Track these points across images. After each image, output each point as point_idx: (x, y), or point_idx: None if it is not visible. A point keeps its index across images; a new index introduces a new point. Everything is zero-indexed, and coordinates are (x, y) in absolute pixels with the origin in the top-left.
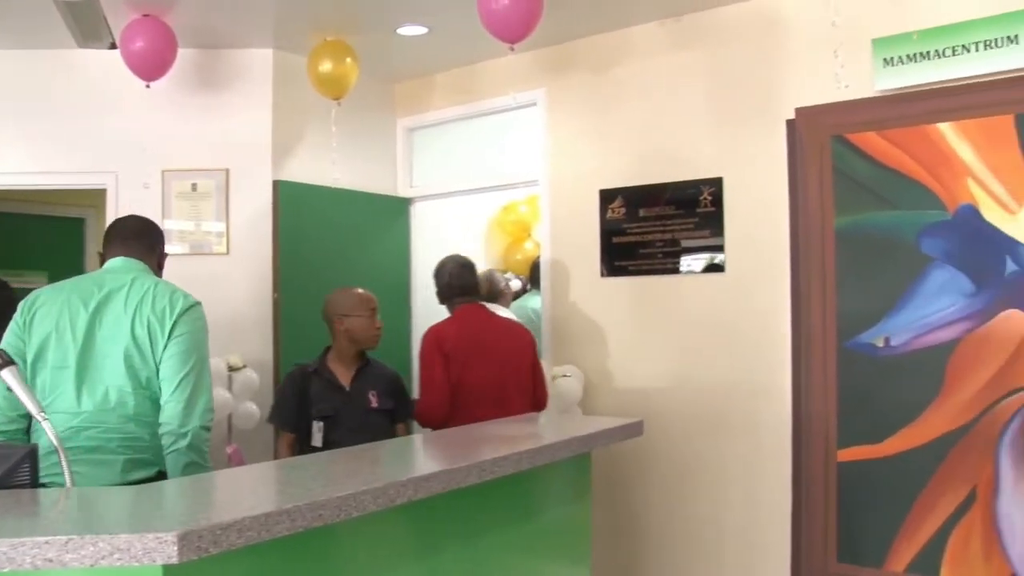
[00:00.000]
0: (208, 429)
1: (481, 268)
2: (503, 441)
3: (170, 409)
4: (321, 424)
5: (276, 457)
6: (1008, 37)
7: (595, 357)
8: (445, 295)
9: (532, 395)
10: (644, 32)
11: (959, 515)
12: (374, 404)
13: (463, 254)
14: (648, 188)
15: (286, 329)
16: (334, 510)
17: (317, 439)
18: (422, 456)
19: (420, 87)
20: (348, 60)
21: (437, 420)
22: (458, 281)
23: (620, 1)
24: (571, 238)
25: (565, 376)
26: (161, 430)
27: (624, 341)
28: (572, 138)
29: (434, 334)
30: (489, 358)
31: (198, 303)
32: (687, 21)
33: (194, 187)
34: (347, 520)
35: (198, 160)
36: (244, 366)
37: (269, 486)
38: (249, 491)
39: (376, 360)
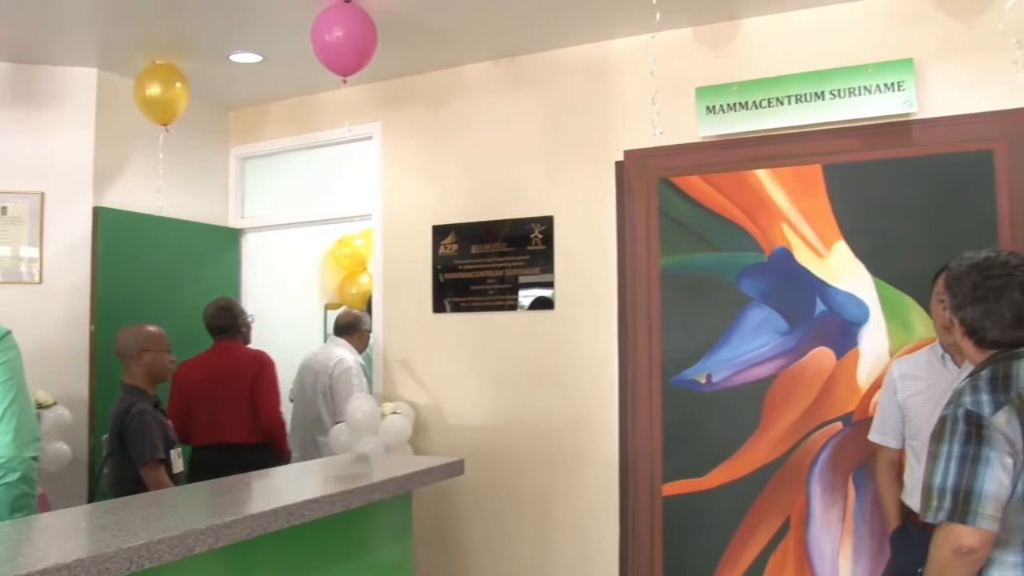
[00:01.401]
0: (37, 459)
1: (315, 300)
2: (318, 483)
3: None
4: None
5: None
6: (816, 93)
7: (427, 393)
8: (209, 333)
9: (252, 420)
10: (480, 70)
11: (775, 543)
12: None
13: (290, 287)
14: (481, 225)
15: (103, 363)
16: (123, 562)
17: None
18: (228, 501)
19: (254, 115)
20: (178, 85)
21: None
22: (214, 322)
23: (455, 39)
24: (404, 273)
25: (395, 413)
26: None
27: (456, 377)
28: (407, 173)
29: (177, 370)
30: (207, 388)
31: (8, 331)
32: (521, 62)
33: (4, 210)
34: (144, 570)
35: (9, 182)
36: (54, 403)
37: (53, 537)
38: (27, 544)
39: None
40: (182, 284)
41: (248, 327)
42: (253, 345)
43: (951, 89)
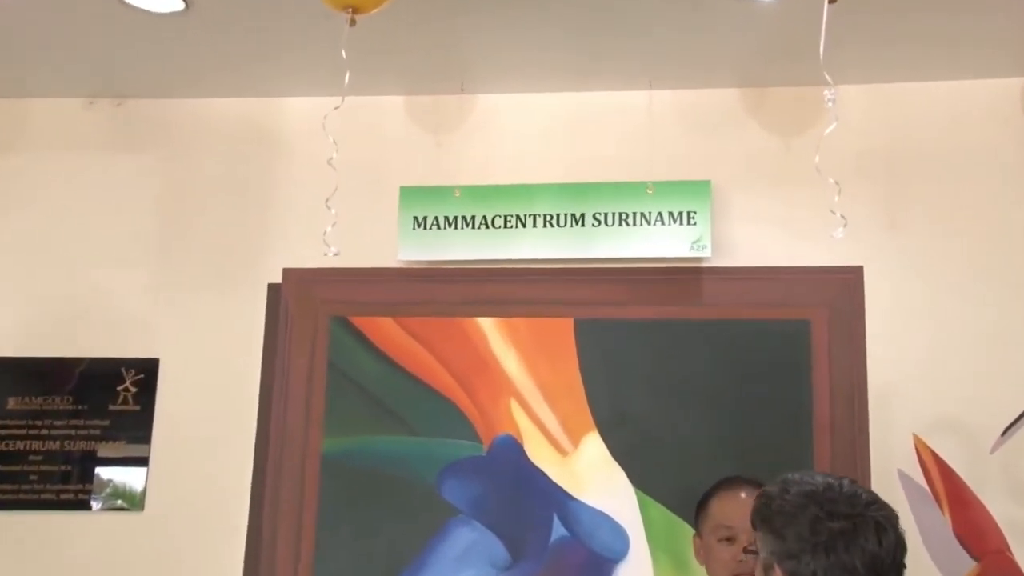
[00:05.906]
0: None
1: None
2: None
3: None
4: None
5: None
6: (573, 216)
7: None
8: None
9: None
10: (59, 109)
11: None
12: None
13: None
14: (31, 362)
15: None
16: None
17: None
18: None
19: None
20: None
21: None
22: None
23: (23, 52)
24: None
25: None
26: None
27: None
28: None
29: None
30: None
31: None
32: (132, 108)
33: None
34: None
35: None
36: None
37: None
38: None
39: None
40: None
41: None
42: None
43: (759, 229)
